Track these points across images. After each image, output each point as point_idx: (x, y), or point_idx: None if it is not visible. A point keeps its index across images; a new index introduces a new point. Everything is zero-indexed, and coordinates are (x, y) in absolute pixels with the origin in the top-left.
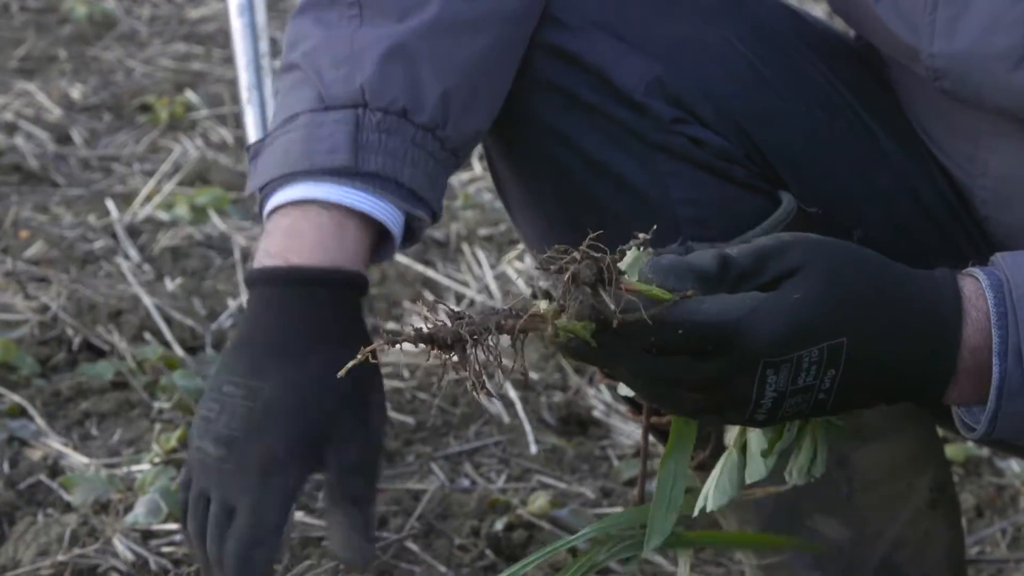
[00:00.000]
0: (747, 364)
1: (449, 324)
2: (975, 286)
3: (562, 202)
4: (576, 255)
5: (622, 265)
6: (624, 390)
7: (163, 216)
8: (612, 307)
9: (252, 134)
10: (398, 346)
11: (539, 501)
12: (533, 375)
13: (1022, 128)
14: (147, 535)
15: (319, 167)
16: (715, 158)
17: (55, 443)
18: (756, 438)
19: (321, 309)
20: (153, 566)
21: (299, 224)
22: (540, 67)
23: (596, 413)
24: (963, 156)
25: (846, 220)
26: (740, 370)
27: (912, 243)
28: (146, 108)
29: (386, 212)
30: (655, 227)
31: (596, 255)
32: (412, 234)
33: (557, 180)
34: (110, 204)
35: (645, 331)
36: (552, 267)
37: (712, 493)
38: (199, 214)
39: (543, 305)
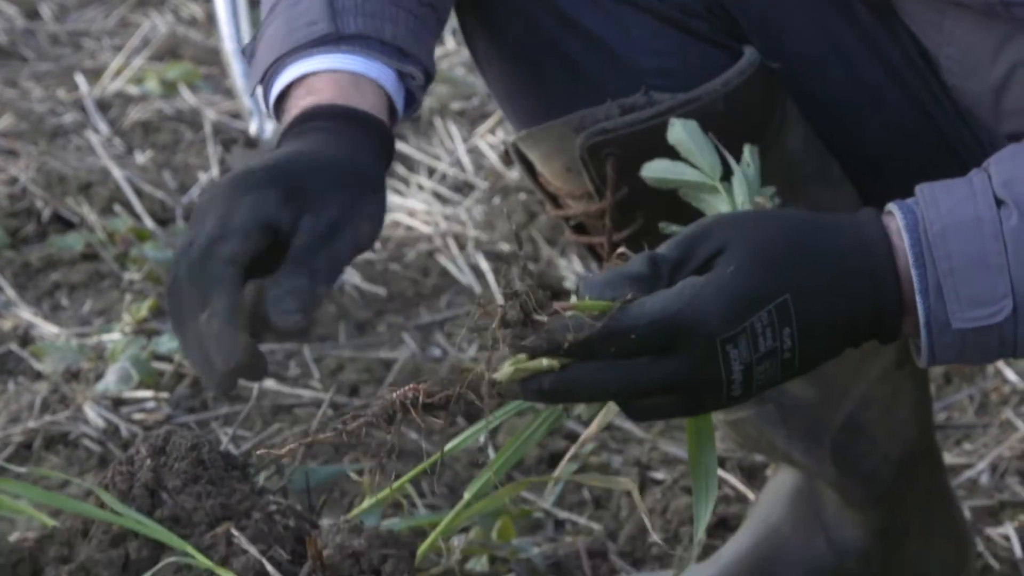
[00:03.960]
0: (706, 348)
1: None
2: (895, 224)
3: (531, 58)
4: (499, 302)
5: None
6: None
7: (133, 91)
8: (543, 343)
9: (221, 10)
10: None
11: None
12: (505, 246)
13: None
14: (118, 402)
15: (303, 41)
16: (676, 11)
17: (25, 313)
18: None
19: (335, 127)
20: (124, 433)
21: (313, 84)
22: None
23: (568, 284)
24: (930, 24)
25: (808, 78)
26: (702, 356)
27: (877, 104)
28: None
29: (378, 71)
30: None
31: (518, 291)
32: (411, 96)
33: (527, 35)
34: (79, 79)
35: (603, 344)
36: (482, 319)
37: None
38: (169, 88)
39: (473, 363)
